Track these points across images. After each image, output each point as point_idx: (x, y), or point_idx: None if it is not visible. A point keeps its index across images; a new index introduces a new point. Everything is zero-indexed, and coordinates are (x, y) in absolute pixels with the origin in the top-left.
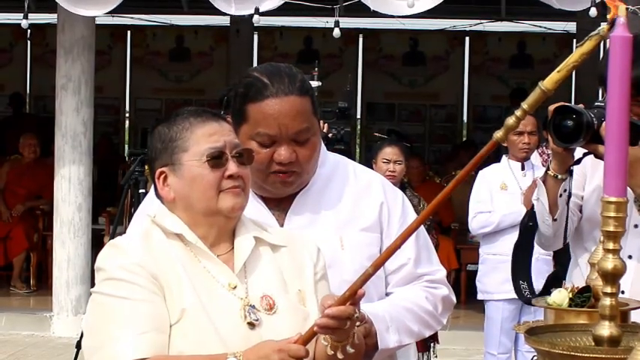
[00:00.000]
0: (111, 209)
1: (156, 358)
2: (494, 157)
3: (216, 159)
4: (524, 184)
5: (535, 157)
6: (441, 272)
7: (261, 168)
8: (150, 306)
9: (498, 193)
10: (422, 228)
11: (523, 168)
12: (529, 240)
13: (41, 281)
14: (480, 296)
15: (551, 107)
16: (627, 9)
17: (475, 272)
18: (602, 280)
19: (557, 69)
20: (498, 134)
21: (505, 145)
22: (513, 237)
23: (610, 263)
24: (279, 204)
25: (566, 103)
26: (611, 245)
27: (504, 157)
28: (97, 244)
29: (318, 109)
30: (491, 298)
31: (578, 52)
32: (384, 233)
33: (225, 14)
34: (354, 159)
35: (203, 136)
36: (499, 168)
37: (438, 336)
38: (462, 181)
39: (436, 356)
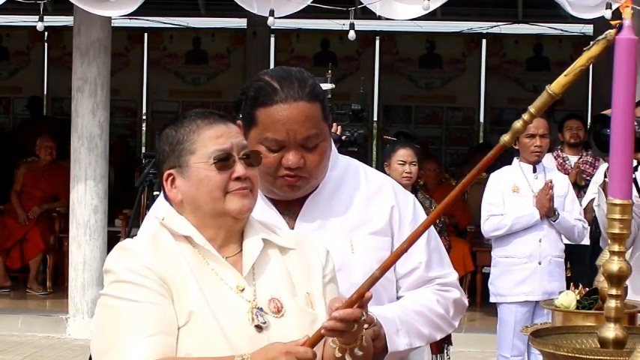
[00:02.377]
0: (127, 211)
1: None
2: (505, 159)
3: (224, 161)
4: (536, 186)
5: (549, 161)
6: (453, 275)
7: (270, 172)
8: (158, 308)
9: (510, 196)
10: (433, 231)
11: (535, 170)
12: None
13: (57, 283)
14: (492, 299)
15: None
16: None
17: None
18: (607, 283)
19: (565, 73)
20: (505, 138)
21: (516, 147)
22: (525, 240)
23: (615, 265)
24: (290, 207)
25: (606, 112)
26: (616, 247)
27: (515, 160)
28: (112, 246)
29: (330, 114)
30: (504, 300)
31: (585, 56)
32: (395, 237)
33: (242, 16)
34: (369, 161)
35: (210, 139)
36: (511, 170)
37: (451, 338)
38: (468, 184)
39: (449, 358)
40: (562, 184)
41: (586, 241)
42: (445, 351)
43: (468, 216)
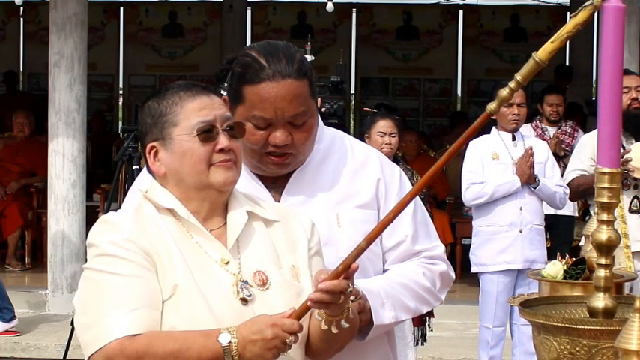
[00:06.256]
0: (105, 186)
1: (148, 334)
2: (484, 128)
3: (207, 133)
4: (515, 154)
5: (528, 131)
6: (440, 248)
7: (256, 149)
8: (142, 282)
9: (490, 164)
10: (420, 203)
11: (514, 139)
12: None
13: (36, 259)
14: (474, 269)
15: None
16: None
17: (470, 246)
18: (596, 252)
19: (551, 40)
20: (491, 106)
21: (494, 117)
22: (506, 208)
23: (604, 235)
24: (275, 182)
25: None
26: (605, 216)
27: (494, 129)
28: (91, 221)
29: (317, 90)
30: (486, 270)
31: (571, 23)
32: (381, 210)
33: None
34: (348, 133)
35: (193, 110)
36: (490, 139)
37: (433, 310)
38: (454, 153)
39: (432, 330)
40: (542, 151)
41: (567, 211)
42: (427, 323)
43: (446, 187)
